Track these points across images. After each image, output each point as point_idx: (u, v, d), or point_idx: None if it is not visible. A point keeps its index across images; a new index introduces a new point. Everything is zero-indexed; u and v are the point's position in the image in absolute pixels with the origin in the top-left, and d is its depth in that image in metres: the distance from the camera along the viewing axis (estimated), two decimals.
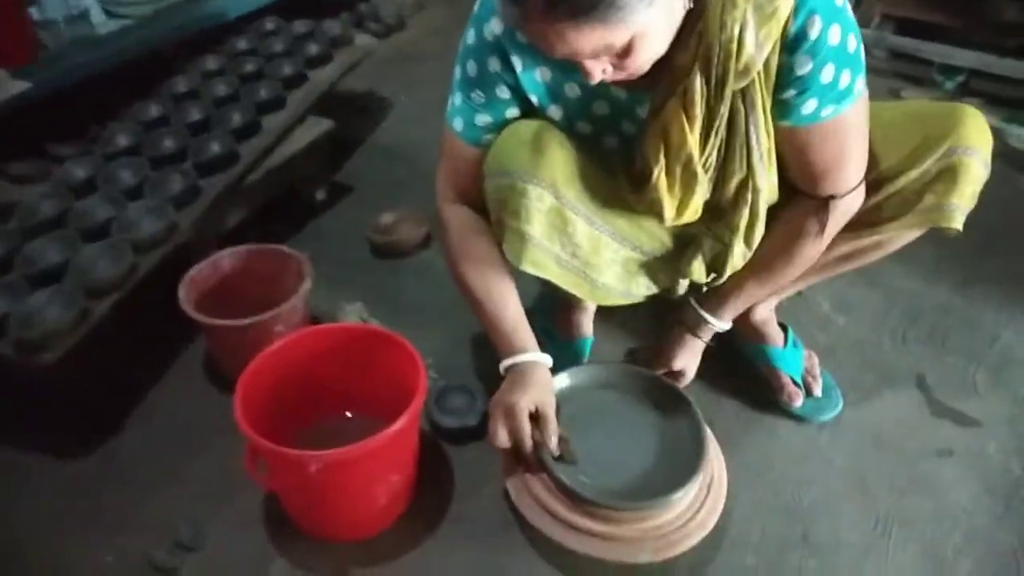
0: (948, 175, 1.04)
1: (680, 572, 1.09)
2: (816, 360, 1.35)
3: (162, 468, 1.25)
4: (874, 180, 1.08)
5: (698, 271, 1.18)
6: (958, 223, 1.06)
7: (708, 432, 1.14)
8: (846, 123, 1.00)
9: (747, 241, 1.11)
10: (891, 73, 2.31)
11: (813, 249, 1.10)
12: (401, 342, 1.14)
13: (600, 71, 0.90)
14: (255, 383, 1.09)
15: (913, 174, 1.05)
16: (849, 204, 1.07)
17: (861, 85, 0.98)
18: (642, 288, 1.21)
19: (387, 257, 1.68)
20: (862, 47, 0.96)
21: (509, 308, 1.14)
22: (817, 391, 1.31)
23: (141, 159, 1.53)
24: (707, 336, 1.26)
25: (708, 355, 1.39)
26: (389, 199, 1.79)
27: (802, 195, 1.08)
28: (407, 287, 1.60)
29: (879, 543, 1.13)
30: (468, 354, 1.44)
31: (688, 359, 1.27)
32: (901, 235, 1.14)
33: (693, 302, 1.24)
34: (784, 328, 1.36)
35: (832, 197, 1.05)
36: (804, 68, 0.93)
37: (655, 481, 1.09)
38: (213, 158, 1.53)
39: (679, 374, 1.28)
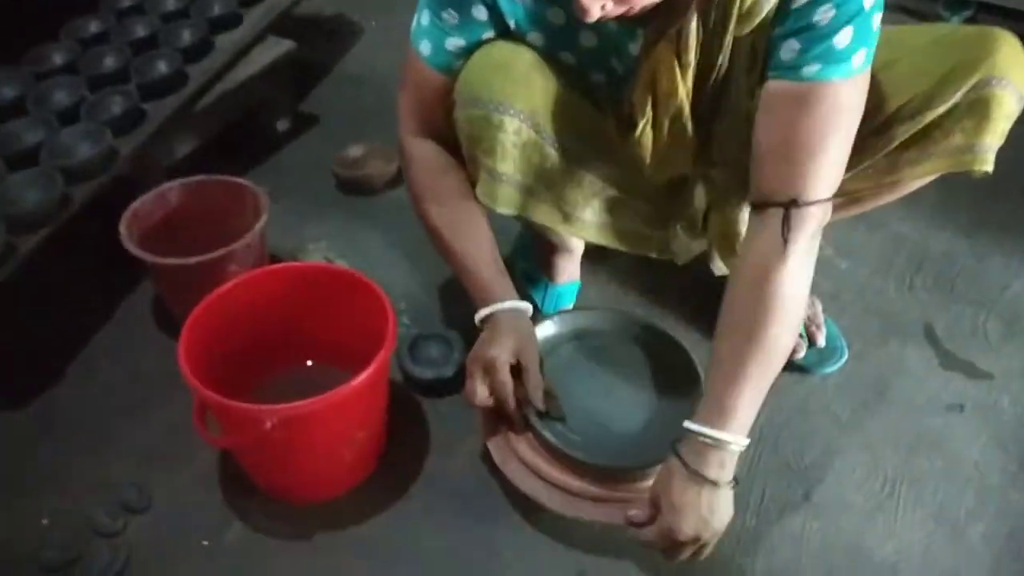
0: (980, 110, 0.92)
1: None
2: (820, 307, 1.25)
3: (106, 422, 1.14)
4: (896, 115, 0.96)
5: (691, 218, 1.07)
6: (989, 164, 0.95)
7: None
8: (833, 99, 0.83)
9: (723, 206, 1.00)
10: (893, 6, 2.18)
11: (786, 279, 0.85)
12: (368, 284, 1.02)
13: (599, 8, 0.77)
14: (203, 328, 0.97)
15: (940, 109, 0.93)
16: (812, 220, 0.86)
17: (860, 60, 0.83)
18: (625, 222, 1.09)
19: (355, 194, 1.55)
20: (879, 17, 0.83)
21: (482, 251, 1.01)
22: (821, 340, 1.21)
23: (78, 78, 1.37)
24: (718, 471, 0.85)
25: (704, 302, 1.30)
26: (358, 131, 1.64)
27: (759, 215, 0.90)
28: (377, 226, 1.48)
29: (886, 504, 1.05)
30: (444, 300, 1.33)
31: (696, 519, 0.85)
32: (921, 177, 1.04)
33: (687, 424, 0.87)
34: None
35: (794, 202, 0.85)
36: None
37: (651, 439, 0.99)
38: (159, 79, 1.37)
39: (691, 546, 0.87)
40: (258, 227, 1.18)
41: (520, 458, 0.99)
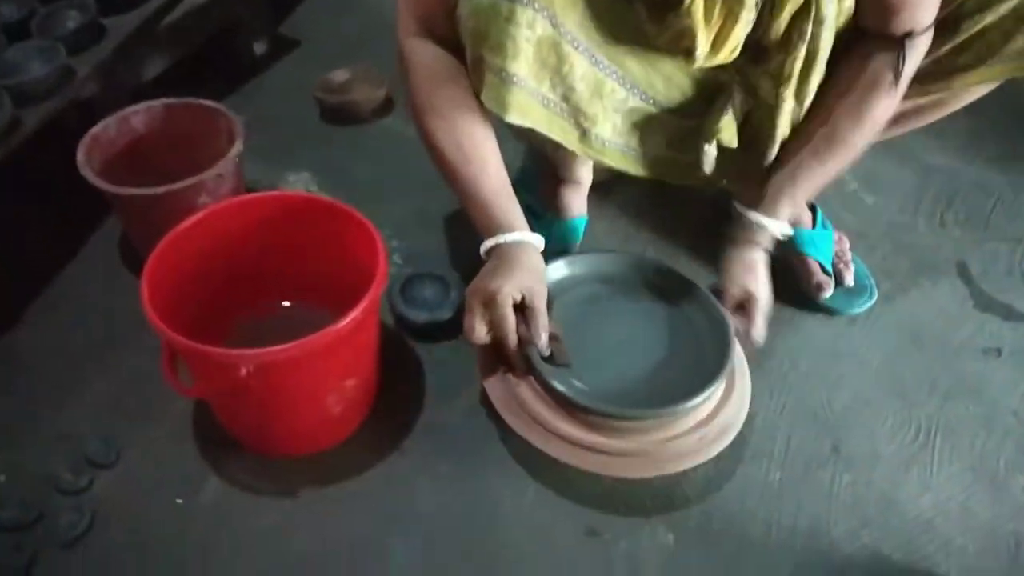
0: None
1: (692, 490, 0.93)
2: (847, 244, 1.15)
3: (68, 370, 1.04)
4: (951, 18, 0.85)
5: (728, 132, 0.96)
6: None
7: (731, 329, 0.95)
8: None
9: (799, 95, 0.89)
10: None
11: (885, 105, 0.89)
12: (354, 215, 0.91)
13: None
14: (169, 265, 0.87)
15: (1001, 8, 0.83)
16: (923, 46, 0.87)
17: None
18: (650, 147, 0.99)
19: (340, 123, 1.42)
20: None
21: (489, 174, 0.91)
22: (849, 280, 1.12)
23: None
24: (764, 243, 0.98)
25: (723, 236, 1.21)
26: (343, 55, 1.52)
27: (866, 41, 0.87)
28: (365, 158, 1.36)
29: (921, 455, 0.97)
30: (441, 238, 1.22)
31: (747, 279, 0.96)
32: (973, 89, 0.93)
33: (736, 205, 1.00)
34: (812, 207, 1.15)
35: (909, 35, 0.83)
36: None
37: (666, 386, 0.90)
38: None
39: (747, 302, 0.96)
40: (232, 154, 1.07)
41: (521, 403, 0.90)
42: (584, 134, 0.93)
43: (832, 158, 0.94)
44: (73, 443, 0.95)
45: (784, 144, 0.97)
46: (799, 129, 0.96)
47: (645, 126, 0.96)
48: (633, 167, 0.99)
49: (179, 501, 0.91)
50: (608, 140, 0.95)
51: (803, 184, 0.96)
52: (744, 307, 0.96)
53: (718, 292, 0.98)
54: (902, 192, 1.32)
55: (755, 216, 0.97)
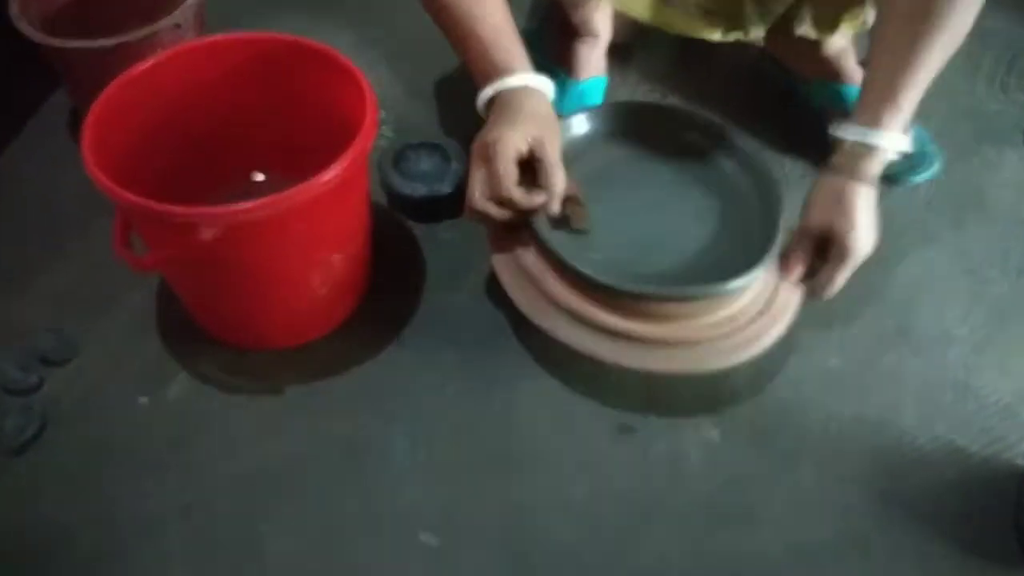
0: None
1: (739, 381, 0.80)
2: None
3: (15, 260, 0.90)
4: None
5: None
6: None
7: (782, 194, 0.81)
8: None
9: None
10: None
11: None
12: (336, 57, 0.76)
13: None
14: (118, 113, 0.72)
15: None
16: None
17: None
18: None
19: None
20: None
21: (489, 6, 0.76)
22: (908, 144, 0.98)
23: None
24: (870, 169, 0.75)
25: (762, 103, 1.07)
26: None
27: None
28: (349, 22, 1.19)
29: (996, 336, 0.85)
30: (436, 107, 1.07)
31: (837, 215, 0.74)
32: None
33: (834, 125, 0.76)
34: (861, 61, 1.00)
35: None
36: None
37: (709, 263, 0.77)
38: None
39: (829, 247, 0.76)
40: (191, 1, 0.90)
41: (534, 283, 0.77)
42: None
43: (930, 35, 0.74)
44: (21, 339, 0.82)
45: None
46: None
47: None
48: (658, 15, 0.83)
49: (143, 400, 0.78)
50: None
51: (911, 77, 0.74)
52: (825, 252, 0.76)
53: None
54: (958, 55, 1.14)
55: (856, 132, 0.74)
